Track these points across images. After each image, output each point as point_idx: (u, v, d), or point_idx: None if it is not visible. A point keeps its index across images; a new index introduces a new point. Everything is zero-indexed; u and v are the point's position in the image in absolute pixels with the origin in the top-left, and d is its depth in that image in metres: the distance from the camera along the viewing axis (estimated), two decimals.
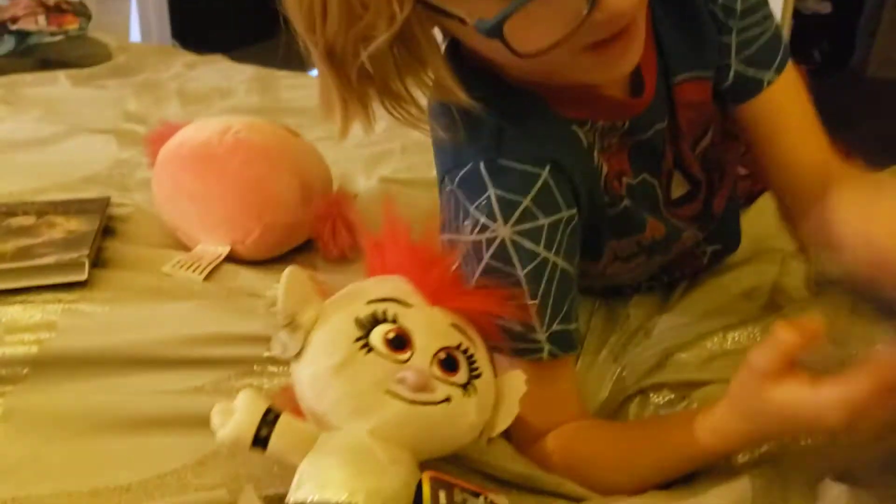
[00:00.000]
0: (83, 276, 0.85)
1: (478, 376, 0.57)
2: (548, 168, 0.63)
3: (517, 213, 0.62)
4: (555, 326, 0.65)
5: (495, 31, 0.51)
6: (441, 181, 0.68)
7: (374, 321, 0.55)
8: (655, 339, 0.90)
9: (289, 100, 1.57)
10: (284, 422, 0.53)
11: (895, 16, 3.12)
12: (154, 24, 2.41)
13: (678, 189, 0.80)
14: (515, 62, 0.54)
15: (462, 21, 0.53)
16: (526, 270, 0.63)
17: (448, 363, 0.56)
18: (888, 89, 3.17)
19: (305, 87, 1.60)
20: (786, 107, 0.73)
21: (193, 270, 0.90)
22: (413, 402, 0.53)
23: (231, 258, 0.94)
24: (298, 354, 0.55)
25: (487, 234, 0.63)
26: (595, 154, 0.68)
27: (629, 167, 0.72)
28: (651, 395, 0.77)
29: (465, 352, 0.57)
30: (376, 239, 0.62)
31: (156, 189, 0.98)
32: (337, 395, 0.53)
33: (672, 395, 0.76)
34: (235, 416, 0.52)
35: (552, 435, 0.67)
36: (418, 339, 0.55)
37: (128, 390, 0.72)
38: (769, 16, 0.71)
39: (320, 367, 0.54)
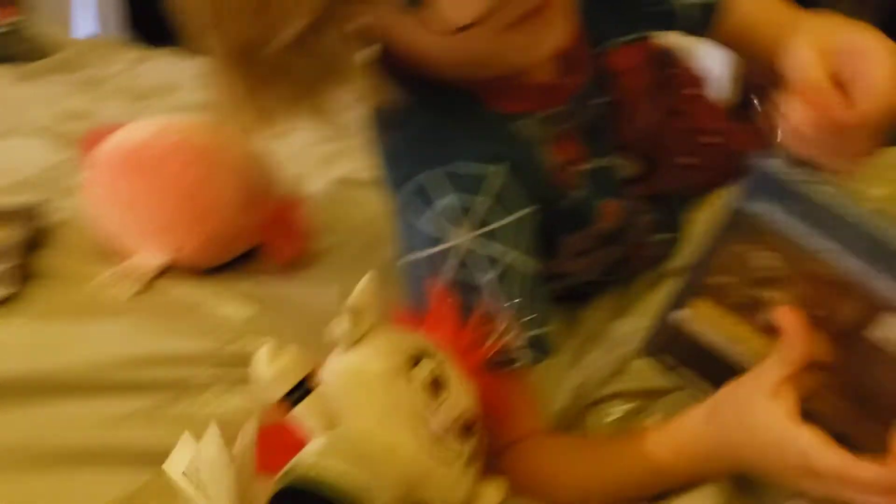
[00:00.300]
0: (7, 292, 0.79)
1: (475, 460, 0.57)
2: (499, 166, 0.61)
3: (476, 217, 0.60)
4: (533, 331, 0.62)
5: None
6: (390, 200, 0.65)
7: (422, 356, 0.56)
8: (613, 343, 0.87)
9: None
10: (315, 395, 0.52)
11: None
12: (111, 14, 2.33)
13: (631, 169, 0.77)
14: (444, 52, 0.53)
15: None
16: (495, 275, 0.61)
17: (467, 429, 0.56)
18: None
19: None
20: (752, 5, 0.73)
21: (130, 283, 0.84)
22: (434, 438, 0.53)
23: (171, 267, 0.88)
24: (354, 344, 0.55)
25: (448, 244, 0.60)
26: (539, 148, 0.67)
27: (583, 152, 0.70)
28: (609, 404, 0.74)
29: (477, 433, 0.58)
30: (412, 314, 0.61)
31: (89, 196, 0.92)
32: (368, 399, 0.53)
33: (631, 405, 0.74)
34: (285, 360, 0.51)
35: (513, 450, 0.64)
36: (453, 392, 0.56)
37: (51, 420, 0.68)
38: None
39: (367, 365, 0.55)
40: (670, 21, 0.73)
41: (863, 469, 0.47)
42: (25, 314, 0.78)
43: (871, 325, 0.50)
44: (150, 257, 0.88)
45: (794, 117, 0.52)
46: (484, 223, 0.60)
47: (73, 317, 0.78)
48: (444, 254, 0.60)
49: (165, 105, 1.44)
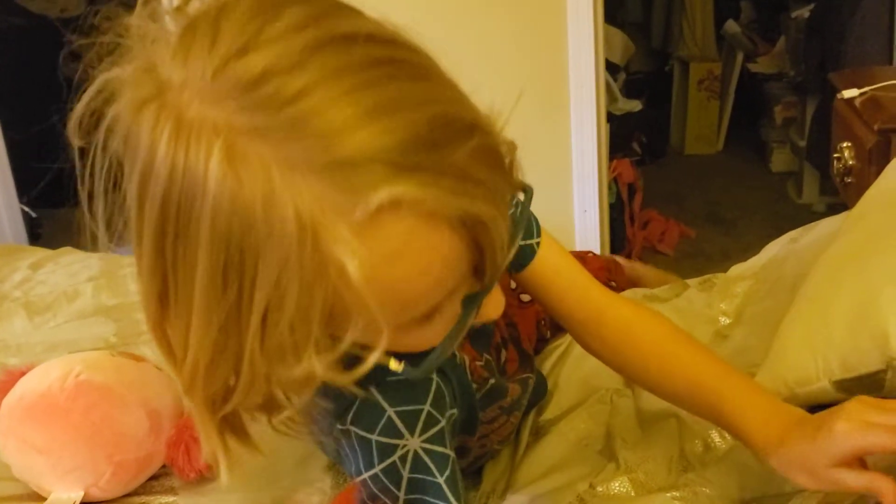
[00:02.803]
0: None
1: None
2: (434, 373, 0.68)
3: (420, 423, 0.66)
4: None
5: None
6: (331, 431, 0.68)
7: None
8: (513, 502, 0.97)
9: (136, 291, 1.58)
10: None
11: (701, 98, 3.45)
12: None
13: (504, 355, 0.90)
14: None
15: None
16: (445, 476, 0.67)
17: None
18: (705, 163, 3.49)
19: None
20: (553, 258, 0.82)
21: None
22: None
23: (85, 501, 0.95)
24: None
25: (399, 453, 0.65)
26: (455, 351, 0.75)
27: (474, 353, 0.81)
28: None
29: None
30: None
31: (1, 444, 0.99)
32: None
33: None
34: None
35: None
36: None
37: None
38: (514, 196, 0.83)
39: None
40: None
41: None
42: None
43: None
44: (66, 496, 0.96)
45: None
46: (425, 429, 0.65)
47: None
48: (401, 459, 0.65)
49: (67, 314, 1.50)
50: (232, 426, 0.56)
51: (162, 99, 0.45)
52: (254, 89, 0.43)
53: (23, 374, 1.04)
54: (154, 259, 0.49)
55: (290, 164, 0.43)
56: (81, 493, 0.96)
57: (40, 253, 1.84)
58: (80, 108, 0.49)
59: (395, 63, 0.47)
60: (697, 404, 0.76)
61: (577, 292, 0.82)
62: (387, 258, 0.46)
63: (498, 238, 0.49)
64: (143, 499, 0.98)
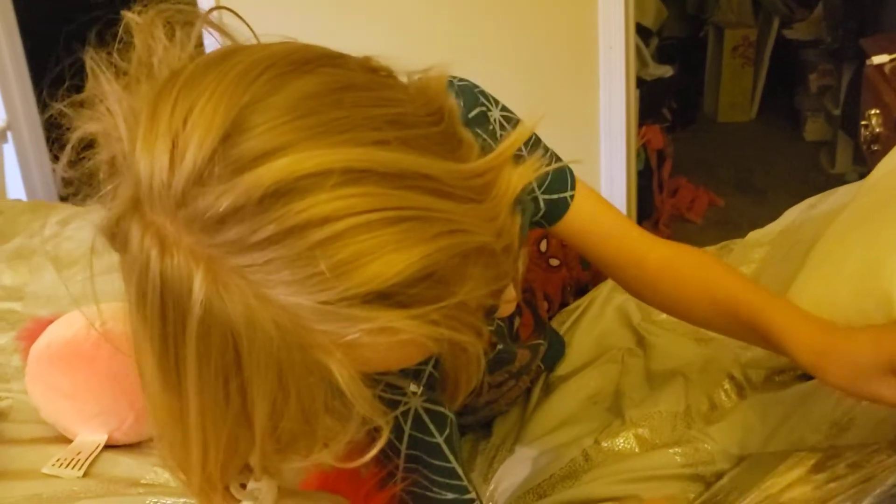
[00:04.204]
0: None
1: None
2: None
3: (423, 382, 0.67)
4: (472, 484, 0.71)
5: None
6: None
7: None
8: (520, 455, 0.99)
9: None
10: None
11: (735, 65, 3.39)
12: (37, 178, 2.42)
13: (518, 320, 0.91)
14: None
15: None
16: (444, 436, 0.69)
17: None
18: (738, 131, 3.44)
19: None
20: (590, 207, 0.83)
21: (73, 466, 0.95)
22: None
23: (109, 445, 0.99)
24: None
25: (401, 409, 0.67)
26: None
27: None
28: None
29: None
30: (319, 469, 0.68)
31: (30, 388, 1.03)
32: None
33: None
34: None
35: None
36: None
37: None
38: (547, 149, 0.83)
39: None
40: (538, 208, 0.82)
41: None
42: None
43: None
44: (91, 438, 0.99)
45: None
46: (427, 388, 0.67)
47: None
48: (402, 414, 0.67)
49: (90, 273, 1.54)
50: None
51: (141, 210, 0.46)
52: (218, 230, 0.44)
53: (50, 322, 1.07)
54: (154, 368, 0.50)
55: (269, 298, 0.44)
56: (105, 437, 0.99)
57: (69, 210, 1.88)
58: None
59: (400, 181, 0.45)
60: (742, 325, 0.76)
61: (617, 237, 0.83)
62: (368, 362, 0.48)
63: (475, 358, 0.50)
64: None
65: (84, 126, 0.50)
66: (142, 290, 0.47)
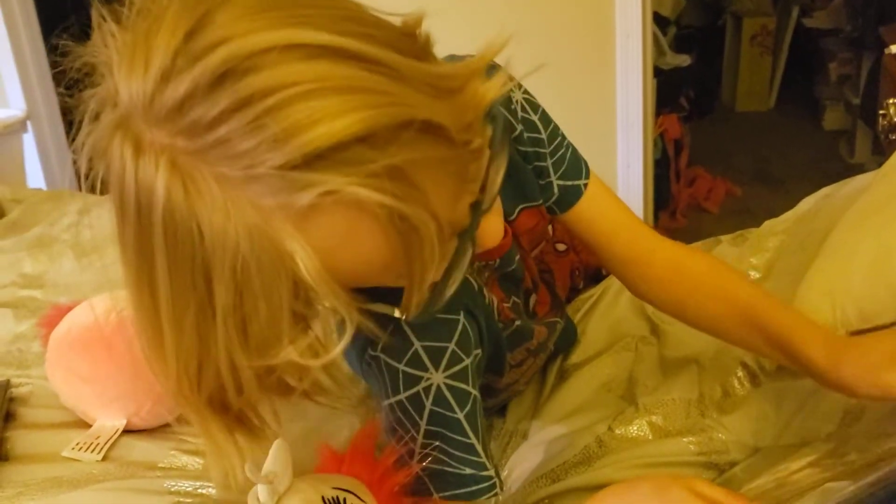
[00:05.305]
0: None
1: None
2: (462, 313, 0.71)
3: (445, 360, 0.69)
4: (491, 461, 0.72)
5: None
6: (361, 356, 0.72)
7: (337, 502, 0.64)
8: (534, 441, 0.99)
9: None
10: None
11: (754, 54, 3.37)
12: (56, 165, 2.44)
13: (534, 299, 0.91)
14: None
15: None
16: (465, 412, 0.70)
17: None
18: (756, 120, 3.42)
19: None
20: (602, 200, 0.84)
21: (92, 450, 0.97)
22: None
23: (127, 429, 1.01)
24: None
25: (423, 384, 0.68)
26: (485, 292, 0.78)
27: (502, 294, 0.82)
28: None
29: None
30: (334, 452, 0.70)
31: (50, 374, 1.05)
32: None
33: None
34: None
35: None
36: None
37: None
38: (565, 137, 0.83)
39: None
40: (551, 193, 0.83)
41: None
42: (2, 498, 0.88)
43: None
44: (110, 423, 1.01)
45: None
46: (450, 365, 0.68)
47: (44, 493, 0.89)
48: (424, 391, 0.68)
49: (113, 256, 1.56)
50: (240, 423, 0.58)
51: (123, 126, 0.49)
52: (179, 116, 0.46)
53: (70, 309, 1.09)
54: (132, 273, 0.52)
55: (227, 178, 0.46)
56: (124, 422, 1.01)
57: (89, 199, 1.89)
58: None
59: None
60: (749, 333, 0.76)
61: (627, 234, 0.83)
62: (328, 250, 0.49)
63: (429, 244, 0.50)
64: (181, 429, 1.03)
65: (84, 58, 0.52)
66: (119, 194, 0.49)
